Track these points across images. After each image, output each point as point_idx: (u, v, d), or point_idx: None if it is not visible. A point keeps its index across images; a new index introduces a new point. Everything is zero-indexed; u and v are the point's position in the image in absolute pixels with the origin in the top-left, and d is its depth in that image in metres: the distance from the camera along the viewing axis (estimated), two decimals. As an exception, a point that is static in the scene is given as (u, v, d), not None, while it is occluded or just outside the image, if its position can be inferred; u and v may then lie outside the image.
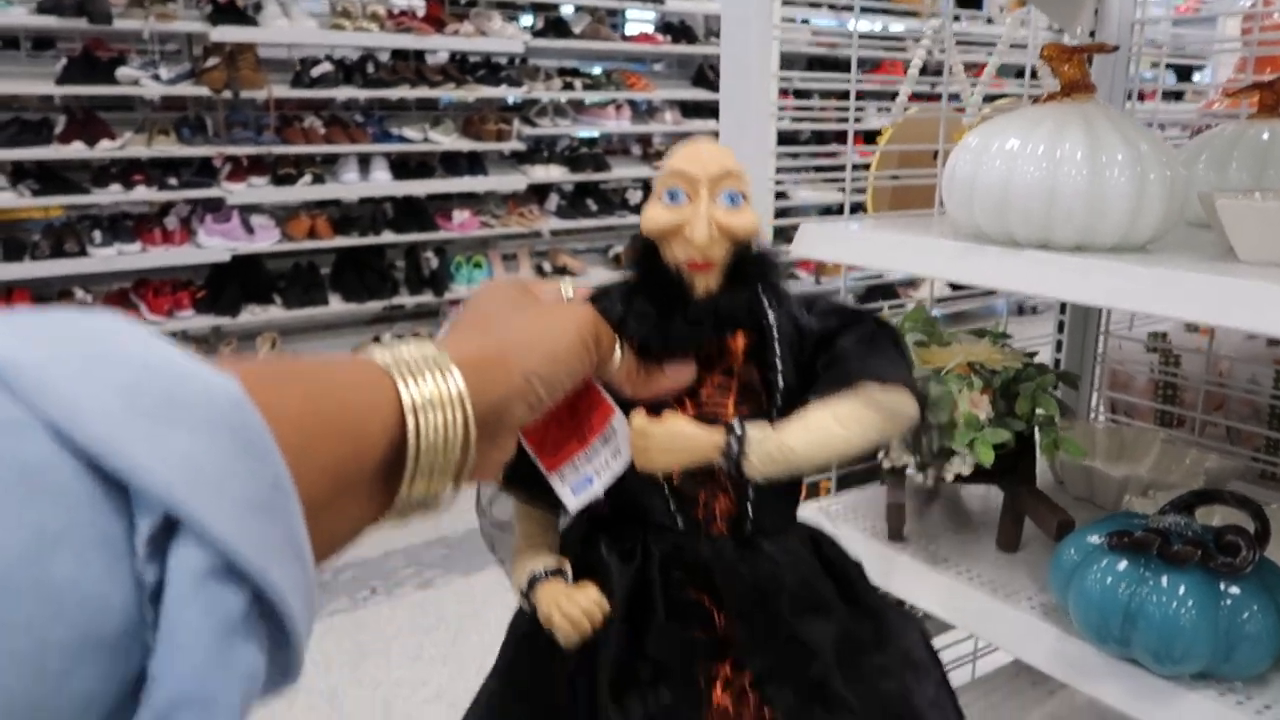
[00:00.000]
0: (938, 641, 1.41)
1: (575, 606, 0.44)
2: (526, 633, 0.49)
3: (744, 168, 0.47)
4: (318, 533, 0.31)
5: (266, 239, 3.53)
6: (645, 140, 4.70)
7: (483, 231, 4.05)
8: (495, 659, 0.52)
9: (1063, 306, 1.36)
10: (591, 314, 0.45)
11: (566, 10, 4.30)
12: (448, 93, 3.86)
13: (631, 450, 0.46)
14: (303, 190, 3.59)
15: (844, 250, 1.00)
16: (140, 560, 0.23)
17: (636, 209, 4.44)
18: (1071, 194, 0.79)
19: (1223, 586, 0.73)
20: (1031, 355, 1.03)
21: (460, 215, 4.00)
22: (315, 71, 3.59)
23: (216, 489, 0.24)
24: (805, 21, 4.16)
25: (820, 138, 4.09)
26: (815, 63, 4.34)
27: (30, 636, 0.20)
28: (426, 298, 3.87)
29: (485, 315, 0.44)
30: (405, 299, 3.83)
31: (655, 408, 0.47)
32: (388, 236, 3.78)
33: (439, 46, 3.84)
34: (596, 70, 4.49)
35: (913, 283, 4.26)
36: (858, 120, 1.15)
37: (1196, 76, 4.55)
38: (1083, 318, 1.35)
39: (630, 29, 4.63)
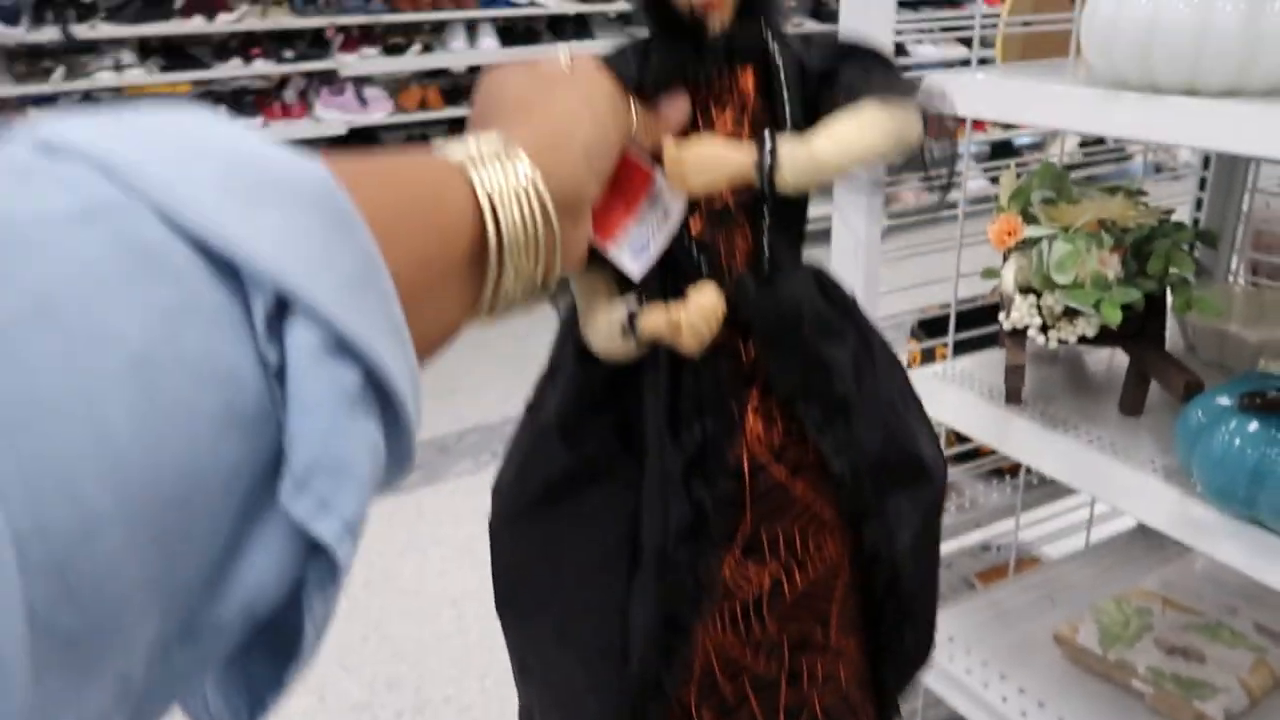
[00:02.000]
0: (1050, 509, 1.40)
1: (700, 310, 0.48)
2: (578, 388, 0.54)
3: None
4: (412, 322, 0.31)
5: (380, 111, 3.58)
6: (757, -2, 4.50)
7: (590, 98, 4.00)
8: (526, 419, 0.57)
9: (1205, 161, 1.27)
10: (608, 74, 0.46)
11: None
12: (553, -47, 3.76)
13: (667, 176, 0.48)
14: (413, 60, 3.60)
15: (969, 102, 0.95)
16: (261, 339, 0.23)
17: (747, 72, 4.29)
18: (1224, 31, 0.73)
19: (1363, 449, 0.70)
20: (1168, 213, 0.98)
21: (568, 82, 3.95)
22: (420, -64, 3.54)
23: (319, 266, 0.24)
24: None
25: (945, -11, 3.84)
26: (941, -95, 4.03)
27: (182, 409, 0.21)
28: (536, 167, 3.88)
29: (515, 101, 0.43)
30: (515, 169, 3.85)
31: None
32: (496, 105, 3.78)
33: (543, -96, 3.72)
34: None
35: (1039, 146, 4.03)
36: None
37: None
38: (1228, 173, 1.26)
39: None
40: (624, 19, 4.07)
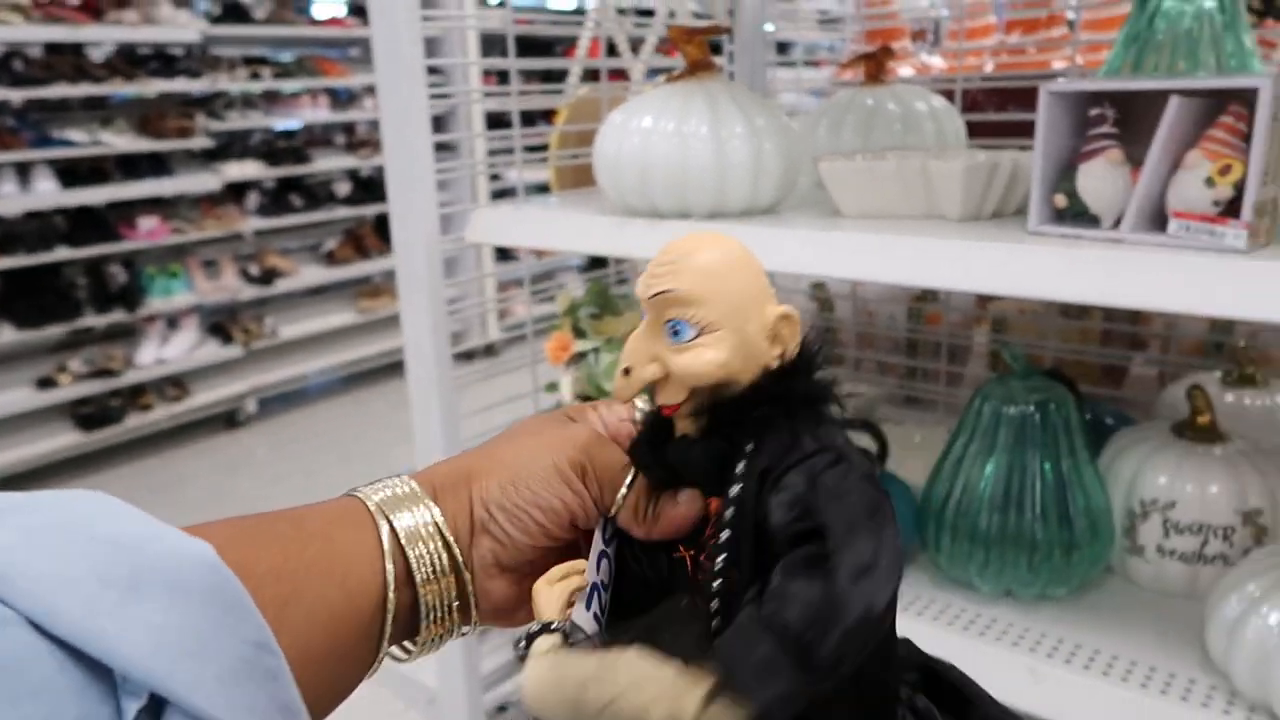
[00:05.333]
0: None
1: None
2: None
3: (715, 285, 0.34)
4: (319, 681, 0.31)
5: (-92, 267, 3.08)
6: (349, 129, 4.53)
7: (175, 238, 3.75)
8: None
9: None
10: (584, 440, 0.40)
11: (245, -5, 4.05)
12: (116, 88, 3.52)
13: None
14: (-52, 208, 3.16)
15: (514, 233, 1.03)
16: None
17: (345, 201, 4.28)
18: (700, 167, 0.86)
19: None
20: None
21: (147, 222, 3.68)
22: (-53, 72, 3.16)
23: (197, 660, 0.25)
24: (501, 3, 4.17)
25: (529, 119, 4.12)
26: (522, 42, 4.36)
27: None
28: (118, 316, 3.53)
29: (490, 442, 0.42)
30: (93, 320, 3.48)
31: (665, 550, 0.38)
32: (62, 253, 3.40)
33: (100, 38, 3.49)
34: (286, 57, 4.27)
35: (631, 253, 4.41)
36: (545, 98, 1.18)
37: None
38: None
39: (318, 12, 4.43)
40: (208, 155, 3.90)
